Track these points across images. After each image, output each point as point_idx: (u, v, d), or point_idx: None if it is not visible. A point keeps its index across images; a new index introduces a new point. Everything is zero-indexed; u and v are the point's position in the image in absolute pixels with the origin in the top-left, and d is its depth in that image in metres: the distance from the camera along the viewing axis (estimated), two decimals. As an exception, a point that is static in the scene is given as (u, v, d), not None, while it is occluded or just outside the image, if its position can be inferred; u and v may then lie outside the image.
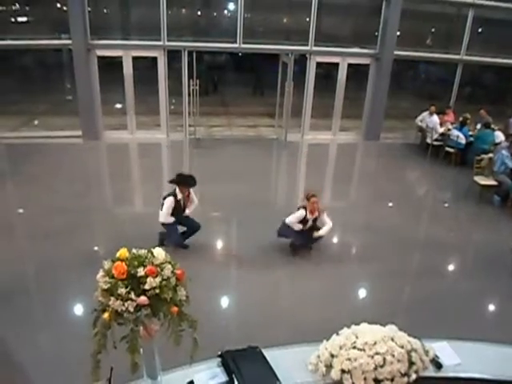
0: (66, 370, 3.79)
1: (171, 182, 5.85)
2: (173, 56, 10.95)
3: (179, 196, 5.79)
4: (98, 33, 10.45)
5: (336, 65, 11.71)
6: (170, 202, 5.73)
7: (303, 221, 5.84)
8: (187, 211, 5.99)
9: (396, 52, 11.46)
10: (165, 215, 5.76)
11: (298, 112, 11.84)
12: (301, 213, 5.81)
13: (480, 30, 12.54)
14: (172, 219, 5.83)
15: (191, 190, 5.97)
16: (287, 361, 2.53)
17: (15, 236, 6.61)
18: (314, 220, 5.91)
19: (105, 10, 11.50)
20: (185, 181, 5.78)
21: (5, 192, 8.09)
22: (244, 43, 10.94)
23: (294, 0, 11.73)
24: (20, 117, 12.23)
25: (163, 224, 5.88)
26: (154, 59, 10.86)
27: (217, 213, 7.36)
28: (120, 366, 2.04)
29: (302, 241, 6.04)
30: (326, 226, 5.93)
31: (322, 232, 5.91)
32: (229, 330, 4.68)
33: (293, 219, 5.82)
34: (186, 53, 10.75)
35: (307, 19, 11.05)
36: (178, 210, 5.83)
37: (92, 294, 1.99)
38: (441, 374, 2.54)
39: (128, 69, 10.83)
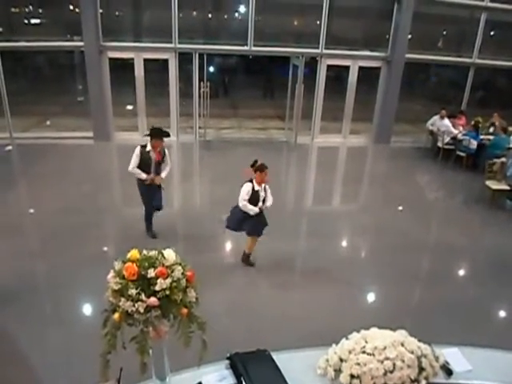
0: (76, 370, 3.80)
1: (145, 135, 6.04)
2: (184, 58, 11.00)
3: (148, 147, 5.92)
4: (109, 35, 10.55)
5: (346, 68, 11.69)
6: (136, 151, 5.90)
7: (255, 197, 5.39)
8: (162, 174, 6.09)
9: (407, 55, 11.40)
10: (132, 163, 5.88)
11: (308, 115, 11.83)
12: (247, 186, 5.36)
13: (492, 33, 12.43)
14: (139, 172, 5.90)
15: (167, 151, 6.12)
16: (296, 364, 2.52)
17: (26, 235, 6.67)
18: (264, 191, 5.48)
19: (116, 13, 11.60)
20: (155, 133, 5.92)
21: (17, 192, 8.17)
22: (255, 46, 10.97)
23: (305, 3, 11.73)
24: (32, 117, 12.37)
25: (137, 182, 6.01)
26: (165, 61, 10.93)
27: (226, 214, 7.35)
28: (129, 366, 2.04)
29: (262, 226, 5.62)
30: (270, 197, 5.55)
31: (269, 203, 5.52)
32: (236, 332, 4.67)
33: (243, 196, 5.34)
34: (197, 55, 10.80)
35: (318, 22, 11.05)
36: (145, 163, 5.91)
37: (102, 295, 2.00)
38: (451, 380, 2.51)
39: (139, 71, 10.91)
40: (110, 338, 1.93)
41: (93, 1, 9.89)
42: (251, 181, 5.40)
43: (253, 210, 5.40)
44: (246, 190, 5.37)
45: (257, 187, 5.39)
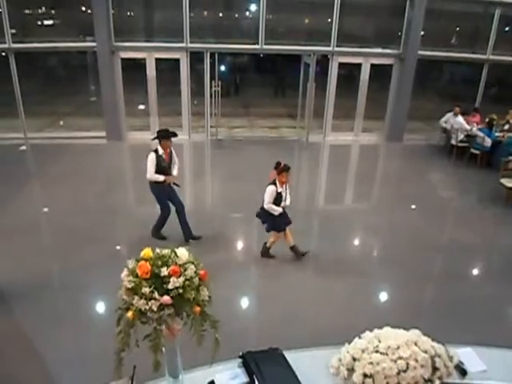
0: (89, 367, 3.84)
1: (153, 139, 6.02)
2: (195, 57, 11.04)
3: (160, 151, 5.93)
4: (121, 35, 10.62)
5: (358, 65, 11.61)
6: (151, 157, 5.90)
7: (278, 197, 5.58)
8: (174, 172, 6.12)
9: (420, 52, 11.29)
10: (150, 171, 5.88)
11: (319, 113, 11.78)
12: (271, 189, 5.52)
13: (507, 28, 12.25)
14: (158, 176, 5.91)
15: (173, 150, 6.14)
16: (308, 363, 2.51)
17: (40, 234, 6.76)
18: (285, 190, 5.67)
19: (128, 13, 11.68)
20: (163, 134, 5.94)
21: (31, 191, 8.28)
22: (266, 44, 10.95)
23: (316, 0, 11.68)
24: (46, 118, 12.53)
25: (152, 187, 6.02)
26: (177, 61, 10.97)
27: (238, 213, 7.38)
28: (142, 364, 2.06)
29: (286, 222, 5.79)
30: (289, 195, 5.74)
31: (287, 202, 5.70)
32: (249, 331, 4.68)
33: (269, 199, 5.52)
34: (208, 54, 10.83)
35: (329, 20, 10.99)
36: (160, 166, 5.93)
37: (115, 293, 2.01)
38: (465, 380, 2.49)
39: (151, 70, 10.98)
40: (123, 336, 1.95)
41: (105, 2, 9.97)
42: (274, 183, 5.53)
43: (278, 210, 5.59)
44: (271, 192, 5.52)
45: (279, 189, 5.56)
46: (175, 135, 6.07)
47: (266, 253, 6.01)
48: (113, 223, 6.99)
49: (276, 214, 5.60)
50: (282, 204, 5.63)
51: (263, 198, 5.59)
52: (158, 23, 11.67)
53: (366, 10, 11.72)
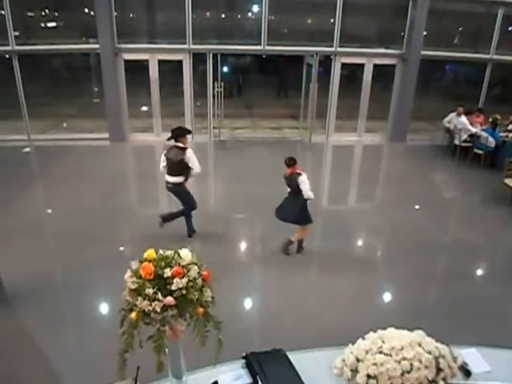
0: (93, 368, 3.85)
1: (169, 138, 6.01)
2: (198, 59, 11.05)
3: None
4: (124, 37, 10.65)
5: (361, 65, 11.60)
6: (192, 152, 5.93)
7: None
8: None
9: (423, 52, 11.27)
10: (198, 165, 5.95)
11: (322, 113, 11.77)
12: (306, 177, 5.65)
13: (510, 28, 12.20)
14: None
15: None
16: (311, 364, 2.51)
17: (44, 235, 6.78)
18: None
19: (131, 15, 11.71)
20: (181, 132, 6.01)
21: (35, 192, 8.31)
22: (268, 45, 10.96)
23: (318, 1, 11.68)
24: (49, 119, 12.58)
25: (180, 184, 6.03)
26: (180, 62, 10.99)
27: (241, 214, 7.39)
28: (146, 365, 2.06)
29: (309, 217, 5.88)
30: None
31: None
32: (253, 331, 4.68)
33: (309, 187, 5.62)
34: (211, 55, 10.84)
35: (332, 20, 10.99)
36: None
37: (119, 294, 2.02)
38: (470, 381, 2.47)
39: (154, 72, 11.00)
40: (127, 337, 1.95)
41: (108, 4, 10.00)
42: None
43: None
44: (307, 180, 5.62)
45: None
46: (190, 132, 6.22)
47: (300, 248, 6.14)
48: (116, 224, 7.00)
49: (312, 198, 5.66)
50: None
51: (300, 189, 5.57)
52: (160, 25, 11.69)
53: (368, 10, 11.70)
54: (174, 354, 2.17)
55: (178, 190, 6.11)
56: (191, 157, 5.88)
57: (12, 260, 5.65)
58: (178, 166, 5.92)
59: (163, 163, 6.08)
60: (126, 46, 10.69)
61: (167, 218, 6.32)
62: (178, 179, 6.00)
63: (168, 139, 6.05)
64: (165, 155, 6.04)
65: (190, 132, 6.19)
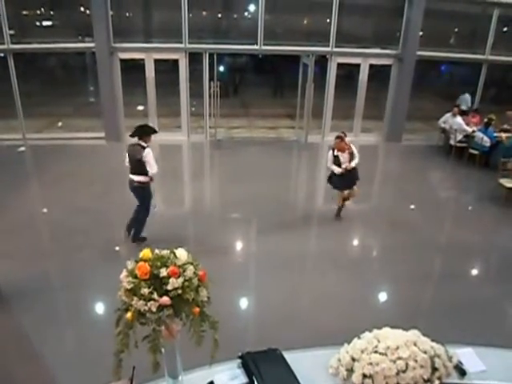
0: (88, 368, 3.84)
1: (132, 135, 5.87)
2: (194, 58, 11.03)
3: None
4: (120, 36, 10.62)
5: (357, 66, 11.62)
6: (151, 152, 5.79)
7: (336, 160, 6.73)
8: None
9: (419, 52, 11.30)
10: (155, 165, 5.85)
11: (318, 113, 11.78)
12: (329, 153, 6.82)
13: (505, 29, 12.26)
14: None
15: None
16: (307, 364, 2.51)
17: (39, 235, 6.75)
18: (350, 155, 6.76)
19: (127, 14, 11.67)
20: (145, 131, 5.86)
21: (30, 192, 8.27)
22: (264, 45, 10.96)
23: (314, 1, 11.69)
24: (44, 119, 12.52)
25: (145, 183, 5.93)
26: (176, 62, 10.97)
27: (238, 213, 7.38)
28: (142, 365, 2.06)
29: (343, 185, 6.93)
30: (355, 158, 6.80)
31: (353, 163, 6.76)
32: (248, 331, 4.68)
33: (329, 162, 6.84)
34: (207, 55, 10.83)
35: (328, 20, 11.00)
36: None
37: (114, 294, 2.01)
38: (465, 381, 2.48)
39: (150, 71, 10.97)
40: (122, 337, 1.94)
41: (103, 2, 9.96)
42: (333, 149, 6.79)
43: (337, 169, 6.78)
44: (329, 156, 6.87)
45: (336, 153, 6.77)
46: (155, 132, 6.04)
47: (339, 211, 7.25)
48: (112, 224, 6.97)
49: (336, 172, 6.76)
50: (343, 166, 6.71)
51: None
52: (156, 24, 11.67)
53: (364, 10, 11.75)
54: (170, 353, 2.16)
55: (141, 191, 6.00)
56: (148, 156, 5.75)
57: (7, 259, 5.63)
58: (138, 165, 5.81)
59: (126, 159, 6.00)
60: (122, 45, 10.66)
61: (129, 230, 6.24)
62: (142, 178, 5.89)
63: (131, 135, 5.90)
64: (127, 152, 5.95)
65: (155, 132, 5.99)
